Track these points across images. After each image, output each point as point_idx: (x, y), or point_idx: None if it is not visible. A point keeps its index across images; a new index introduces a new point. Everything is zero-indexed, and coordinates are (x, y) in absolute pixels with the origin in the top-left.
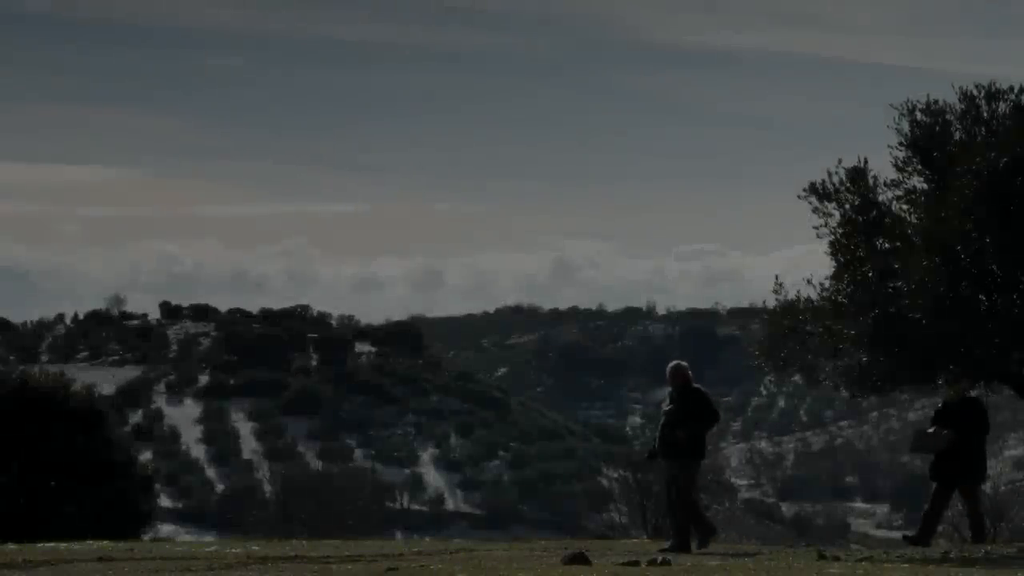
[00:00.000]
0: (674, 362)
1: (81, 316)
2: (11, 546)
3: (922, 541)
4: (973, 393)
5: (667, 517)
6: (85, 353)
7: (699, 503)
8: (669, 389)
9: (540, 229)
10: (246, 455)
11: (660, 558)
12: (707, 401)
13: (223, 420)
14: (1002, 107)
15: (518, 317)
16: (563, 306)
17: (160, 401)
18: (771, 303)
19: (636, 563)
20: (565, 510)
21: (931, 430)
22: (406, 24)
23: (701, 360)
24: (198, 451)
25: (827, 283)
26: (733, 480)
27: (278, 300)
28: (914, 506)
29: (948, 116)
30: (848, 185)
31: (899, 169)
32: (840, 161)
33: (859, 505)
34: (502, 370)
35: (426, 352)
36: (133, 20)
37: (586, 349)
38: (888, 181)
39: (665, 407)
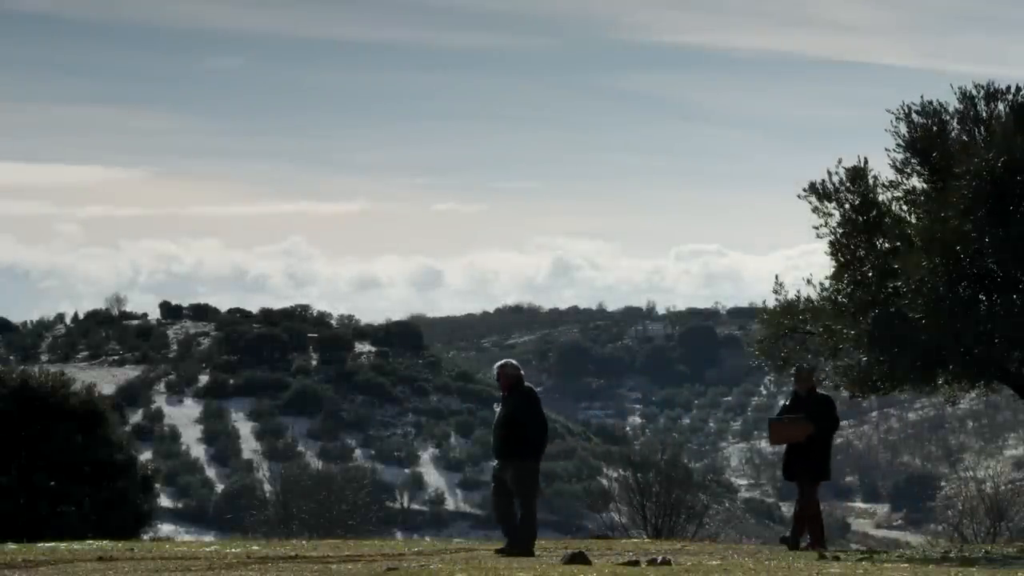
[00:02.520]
0: (501, 362)
1: (81, 316)
2: (11, 546)
3: (791, 542)
4: (823, 390)
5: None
6: (85, 353)
7: (513, 508)
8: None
9: (540, 229)
10: (246, 455)
11: (660, 558)
12: (536, 402)
13: (223, 420)
14: (1000, 107)
15: (518, 317)
16: (563, 306)
17: (160, 401)
18: (771, 303)
19: (636, 563)
20: (565, 510)
21: (787, 418)
22: (406, 24)
23: (701, 360)
24: (198, 451)
25: (827, 283)
26: (733, 480)
27: (278, 300)
28: (914, 506)
29: (945, 117)
30: (848, 185)
31: (898, 171)
32: (840, 161)
33: (859, 505)
34: None
35: (426, 352)
36: (132, 21)
37: (586, 349)
38: (888, 181)
39: (497, 408)
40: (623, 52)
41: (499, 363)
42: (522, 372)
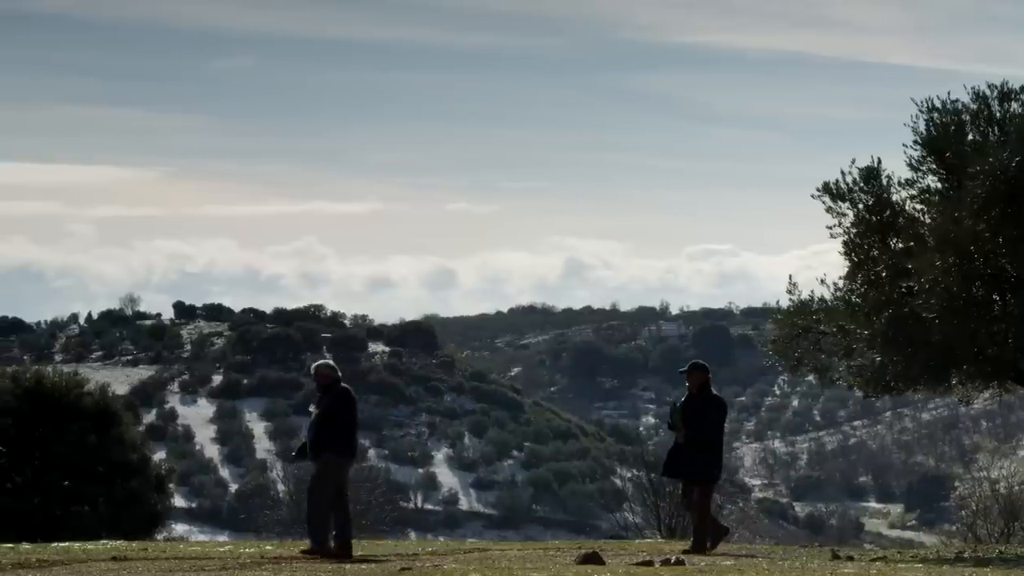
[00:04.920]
0: (317, 362)
1: (95, 316)
2: (25, 546)
3: (697, 548)
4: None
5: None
6: (99, 353)
7: (326, 507)
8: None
9: (552, 229)
10: (259, 454)
11: (674, 558)
12: (349, 402)
13: (237, 420)
14: (1014, 107)
15: (532, 317)
16: (576, 306)
17: (174, 401)
18: (785, 303)
19: (650, 563)
20: (579, 510)
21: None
22: (418, 25)
23: (714, 360)
24: (212, 451)
25: (841, 283)
26: (747, 480)
27: (291, 300)
28: (928, 506)
29: (965, 116)
30: (862, 185)
31: (913, 168)
32: (854, 161)
33: (873, 505)
34: (516, 370)
35: (440, 352)
36: (143, 22)
37: (600, 349)
38: (902, 180)
39: (312, 408)
40: (636, 52)
41: (315, 363)
42: (339, 374)
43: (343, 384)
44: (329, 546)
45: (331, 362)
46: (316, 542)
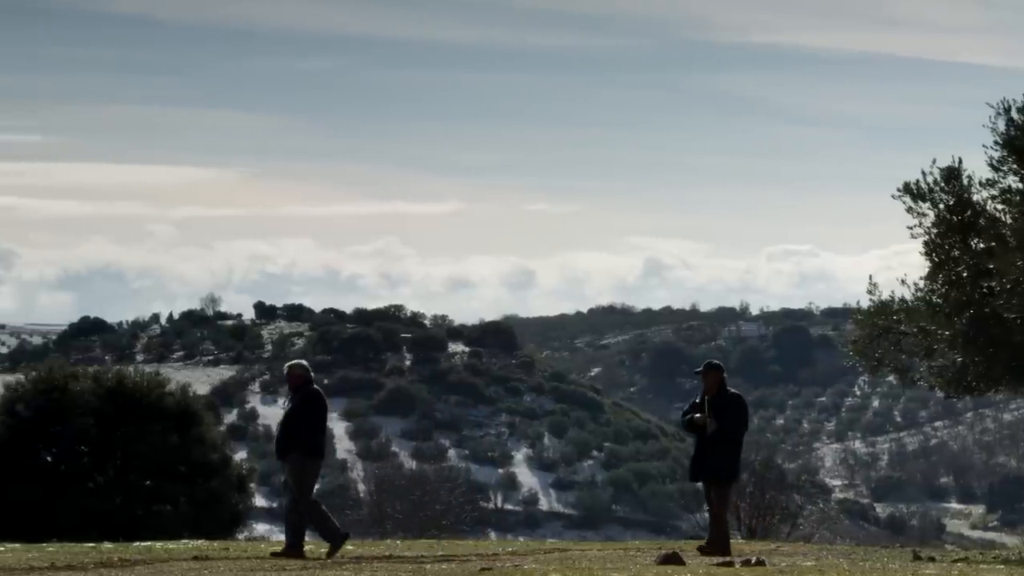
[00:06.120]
0: (291, 362)
1: (176, 316)
2: (107, 545)
3: (714, 549)
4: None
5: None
6: (180, 353)
7: (319, 506)
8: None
9: (632, 229)
10: (340, 455)
11: (755, 559)
12: (317, 403)
13: None
14: None
15: (611, 317)
16: (656, 306)
17: (255, 401)
18: (865, 303)
19: (730, 564)
20: (659, 510)
21: (697, 416)
22: (499, 25)
23: (795, 360)
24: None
25: (921, 283)
26: (827, 480)
27: (370, 300)
28: (1010, 507)
29: None
30: (942, 185)
31: (994, 168)
32: (934, 161)
33: (954, 506)
34: (595, 370)
35: (519, 352)
36: (227, 22)
37: (680, 349)
38: (983, 180)
39: (284, 407)
40: (715, 53)
41: (288, 363)
42: (312, 374)
43: (314, 386)
44: (339, 544)
45: (304, 363)
46: (334, 537)
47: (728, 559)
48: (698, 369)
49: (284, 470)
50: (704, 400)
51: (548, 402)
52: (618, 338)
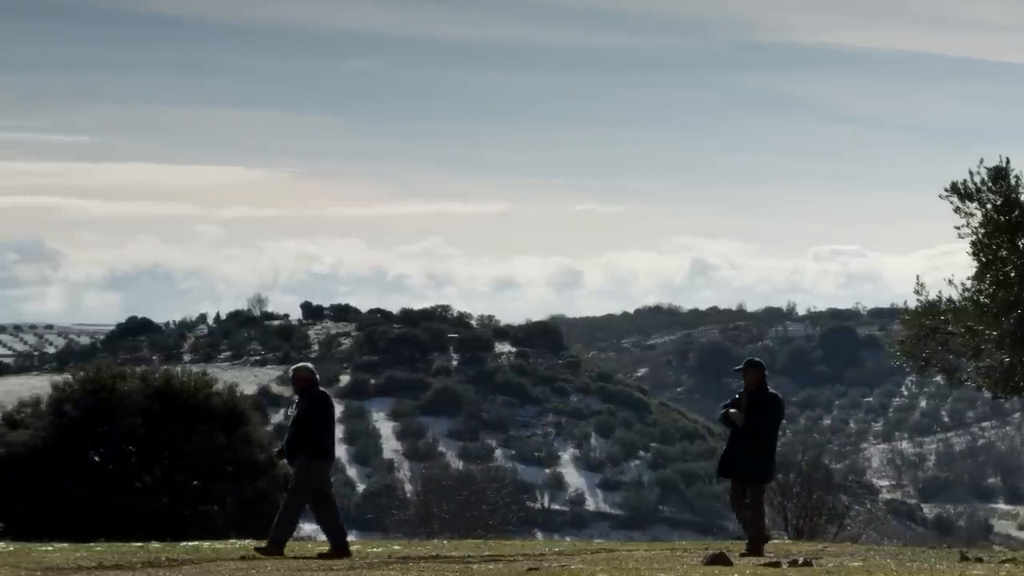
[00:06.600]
0: (296, 365)
1: (223, 316)
2: (155, 544)
3: (752, 551)
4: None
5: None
6: (227, 353)
7: (298, 510)
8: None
9: (678, 229)
10: (387, 455)
11: (802, 559)
12: (325, 405)
13: (364, 420)
14: None
15: (658, 317)
16: (702, 306)
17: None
18: (912, 303)
19: (777, 564)
20: (706, 510)
21: (732, 411)
22: (547, 26)
23: (842, 360)
24: (339, 451)
25: (969, 283)
26: (875, 481)
27: (416, 300)
28: None
29: None
30: (990, 185)
31: None
32: (982, 161)
33: (1002, 506)
34: (642, 370)
35: (566, 352)
36: (274, 23)
37: (726, 349)
38: None
39: (290, 411)
40: (761, 52)
41: (294, 366)
42: (317, 377)
43: (320, 388)
44: (282, 549)
45: (310, 365)
46: (275, 540)
47: (775, 559)
48: (739, 367)
49: (293, 473)
50: (742, 396)
51: (595, 402)
52: (665, 338)
